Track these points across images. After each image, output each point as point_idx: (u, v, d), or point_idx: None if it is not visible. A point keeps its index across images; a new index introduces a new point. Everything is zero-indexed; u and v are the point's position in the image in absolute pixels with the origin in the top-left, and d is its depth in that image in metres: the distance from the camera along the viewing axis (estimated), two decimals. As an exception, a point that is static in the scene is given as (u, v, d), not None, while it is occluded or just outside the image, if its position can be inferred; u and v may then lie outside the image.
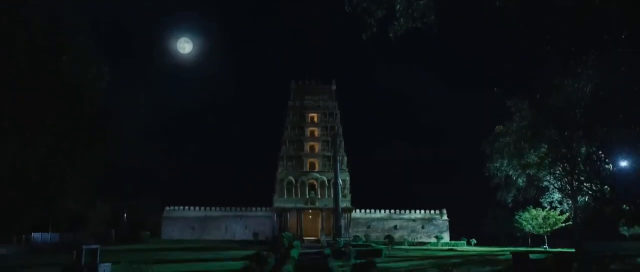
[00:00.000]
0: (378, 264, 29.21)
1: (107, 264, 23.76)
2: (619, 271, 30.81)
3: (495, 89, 44.27)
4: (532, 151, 45.65)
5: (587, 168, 41.27)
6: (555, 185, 51.24)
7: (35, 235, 54.87)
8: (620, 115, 36.09)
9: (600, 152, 39.49)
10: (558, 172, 46.79)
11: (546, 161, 44.75)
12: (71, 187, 15.76)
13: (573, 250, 46.28)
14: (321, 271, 28.96)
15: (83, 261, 22.39)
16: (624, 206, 42.93)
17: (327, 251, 42.00)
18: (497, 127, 50.36)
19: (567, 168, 44.64)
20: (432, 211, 74.00)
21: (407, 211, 73.85)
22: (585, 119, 38.41)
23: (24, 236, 52.35)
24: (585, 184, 44.59)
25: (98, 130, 16.15)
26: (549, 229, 61.05)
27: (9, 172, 14.25)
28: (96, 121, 16.44)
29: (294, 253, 37.31)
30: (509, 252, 37.10)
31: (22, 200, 14.41)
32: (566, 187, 49.35)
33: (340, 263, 31.99)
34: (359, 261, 25.93)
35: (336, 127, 74.71)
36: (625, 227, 53.59)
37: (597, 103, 38.33)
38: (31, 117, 13.72)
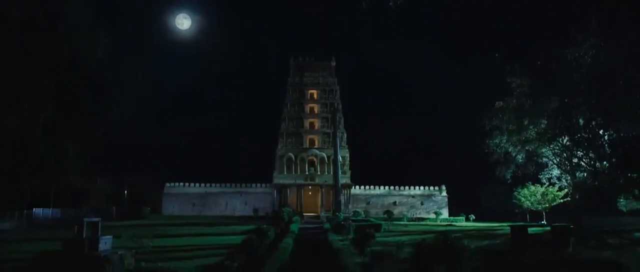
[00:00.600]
0: (377, 238, 29.46)
1: (108, 236, 23.92)
2: (616, 245, 31.06)
3: (497, 55, 44.17)
4: (531, 126, 45.69)
5: (589, 135, 41.30)
6: (554, 161, 51.43)
7: (36, 210, 55.11)
8: (621, 82, 36.04)
9: (599, 118, 39.59)
10: (557, 147, 46.88)
11: (546, 137, 44.77)
12: (71, 157, 15.75)
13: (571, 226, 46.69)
14: (321, 244, 29.23)
15: (84, 234, 22.52)
16: (621, 179, 43.21)
17: (327, 225, 42.33)
18: (496, 103, 50.34)
19: (567, 143, 44.71)
20: (431, 187, 74.34)
21: (406, 188, 74.19)
22: (585, 86, 38.35)
23: (25, 211, 52.58)
24: (583, 160, 44.79)
25: (96, 102, 16.06)
26: (547, 205, 61.38)
27: (10, 140, 14.23)
28: (94, 92, 16.35)
29: (294, 228, 37.61)
30: (507, 227, 37.42)
31: (24, 167, 14.41)
32: (565, 163, 49.56)
33: (340, 238, 32.25)
34: (358, 235, 26.09)
35: (336, 104, 74.58)
36: (623, 202, 53.88)
37: (598, 71, 38.32)
38: (30, 86, 13.63)
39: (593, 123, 41.16)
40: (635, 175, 37.07)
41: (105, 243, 23.31)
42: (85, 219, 22.99)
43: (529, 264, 19.41)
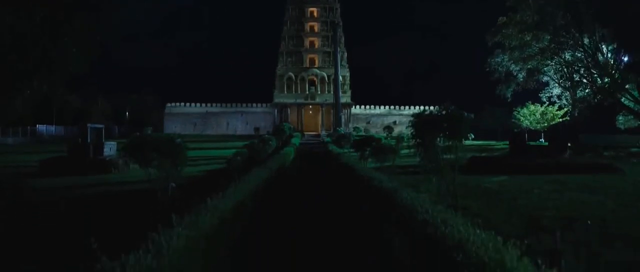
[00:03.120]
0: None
1: (112, 142, 24.25)
2: (612, 157, 31.53)
3: None
4: (534, 42, 45.03)
5: (596, 54, 40.85)
6: (555, 78, 51.17)
7: (40, 127, 55.63)
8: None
9: (605, 30, 39.01)
10: (559, 63, 46.43)
11: (548, 52, 44.21)
12: (74, 53, 15.51)
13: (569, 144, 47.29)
14: (321, 152, 29.67)
15: (89, 140, 22.79)
16: (622, 97, 43.27)
17: (327, 139, 42.78)
18: (500, 18, 49.22)
19: (569, 59, 44.25)
20: (431, 107, 74.41)
21: (406, 107, 74.39)
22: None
23: (29, 127, 53.09)
24: (584, 77, 44.54)
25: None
26: (546, 125, 61.73)
27: (8, 40, 14.01)
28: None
29: (295, 141, 38.06)
30: (506, 144, 37.91)
31: (26, 64, 14.26)
32: (566, 81, 49.34)
33: (341, 151, 32.69)
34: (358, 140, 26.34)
35: (336, 22, 73.08)
36: (621, 120, 54.26)
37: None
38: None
39: (597, 37, 40.53)
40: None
41: (110, 149, 23.63)
42: (89, 125, 23.15)
43: (526, 166, 19.80)
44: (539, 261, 3.38)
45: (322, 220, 10.04)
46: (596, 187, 14.80)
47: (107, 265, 3.52)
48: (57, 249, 7.03)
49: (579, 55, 42.96)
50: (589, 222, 6.05)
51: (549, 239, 6.40)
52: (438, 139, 9.10)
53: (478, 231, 4.15)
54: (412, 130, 9.98)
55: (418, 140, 9.54)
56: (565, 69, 46.87)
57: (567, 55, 44.32)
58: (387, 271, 6.18)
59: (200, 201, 6.56)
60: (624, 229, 8.39)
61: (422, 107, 73.97)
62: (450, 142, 8.93)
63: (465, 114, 9.04)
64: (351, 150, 27.65)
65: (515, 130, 69.60)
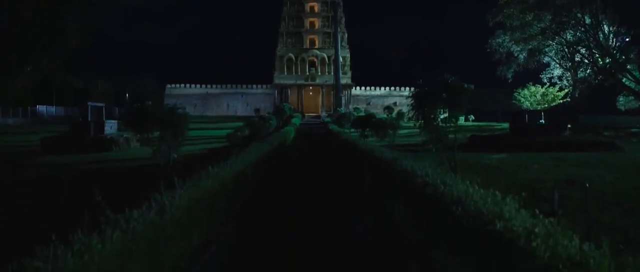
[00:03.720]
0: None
1: (113, 121, 24.27)
2: (612, 137, 31.56)
3: None
4: (535, 22, 44.79)
5: (598, 34, 40.62)
6: (556, 59, 51.00)
7: (41, 107, 55.64)
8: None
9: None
10: (561, 44, 46.23)
11: (550, 32, 43.99)
12: (72, 29, 15.47)
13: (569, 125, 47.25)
14: (321, 131, 29.72)
15: (90, 118, 22.81)
16: (623, 78, 43.18)
17: (328, 119, 42.80)
18: (501, -2, 48.83)
19: (570, 39, 44.05)
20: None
21: (407, 88, 74.20)
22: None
23: (29, 108, 53.09)
24: (586, 57, 44.38)
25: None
26: (546, 106, 61.63)
27: (8, 15, 13.95)
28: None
29: (296, 121, 38.09)
30: (506, 125, 37.87)
31: (24, 39, 14.22)
32: (567, 61, 49.20)
33: (341, 130, 32.72)
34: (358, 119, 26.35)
35: (336, 2, 72.56)
36: (622, 101, 54.19)
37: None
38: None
39: (599, 16, 40.31)
40: None
41: (111, 127, 23.66)
42: (90, 103, 23.17)
43: (526, 144, 19.85)
44: (537, 211, 3.43)
45: (323, 191, 10.12)
46: (596, 163, 14.83)
47: (111, 217, 3.58)
48: (60, 209, 7.12)
49: (581, 35, 42.77)
50: (587, 185, 6.09)
51: (548, 206, 6.47)
52: (438, 110, 9.13)
53: (477, 186, 4.20)
54: (412, 102, 10.01)
55: (418, 112, 9.57)
56: (566, 49, 46.71)
57: (569, 35, 44.13)
58: (387, 233, 6.26)
59: (201, 169, 6.61)
60: (621, 198, 8.47)
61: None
62: (449, 114, 8.98)
63: (466, 85, 9.04)
64: (352, 129, 27.70)
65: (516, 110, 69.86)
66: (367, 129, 17.70)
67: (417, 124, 9.89)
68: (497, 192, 4.00)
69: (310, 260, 5.67)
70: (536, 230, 2.95)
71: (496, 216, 3.34)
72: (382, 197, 7.88)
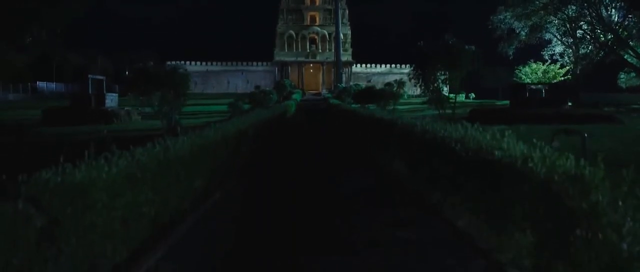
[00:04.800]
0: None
1: (114, 94, 24.26)
2: (612, 112, 31.58)
3: None
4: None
5: (600, 9, 40.28)
6: (558, 36, 50.70)
7: (40, 84, 55.55)
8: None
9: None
10: (563, 19, 45.89)
11: (552, 7, 43.66)
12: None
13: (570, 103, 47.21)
14: (322, 106, 29.73)
15: (90, 91, 22.81)
16: (625, 54, 43.00)
17: (328, 95, 42.77)
18: (505, -28, 48.35)
19: (572, 14, 43.72)
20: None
21: (408, 66, 73.72)
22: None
23: (29, 84, 53.01)
24: (588, 33, 44.12)
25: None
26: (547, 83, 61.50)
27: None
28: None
29: (296, 96, 38.07)
30: (507, 102, 37.88)
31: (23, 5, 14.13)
32: (569, 37, 48.92)
33: (342, 102, 32.72)
34: (359, 93, 26.41)
35: (338, -22, 71.70)
36: (623, 78, 54.06)
37: None
38: None
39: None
40: None
41: (112, 100, 23.68)
42: (90, 76, 23.15)
43: (527, 116, 19.88)
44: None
45: (325, 152, 10.18)
46: (596, 133, 14.90)
47: (117, 151, 3.65)
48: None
49: (583, 10, 42.44)
50: (586, 134, 6.14)
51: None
52: (438, 73, 9.15)
53: (476, 126, 4.26)
54: (413, 65, 10.03)
55: (418, 72, 9.60)
56: (568, 25, 46.38)
57: (570, 11, 43.80)
58: (385, 180, 6.34)
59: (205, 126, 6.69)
60: (619, 159, 8.53)
61: (423, 66, 73.78)
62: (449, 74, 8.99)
63: (466, 46, 9.03)
64: (352, 102, 27.75)
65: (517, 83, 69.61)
66: (368, 103, 17.75)
67: (420, 90, 9.94)
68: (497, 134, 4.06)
69: (312, 205, 5.74)
70: (533, 155, 3.02)
71: (495, 147, 3.41)
72: (382, 150, 7.95)
